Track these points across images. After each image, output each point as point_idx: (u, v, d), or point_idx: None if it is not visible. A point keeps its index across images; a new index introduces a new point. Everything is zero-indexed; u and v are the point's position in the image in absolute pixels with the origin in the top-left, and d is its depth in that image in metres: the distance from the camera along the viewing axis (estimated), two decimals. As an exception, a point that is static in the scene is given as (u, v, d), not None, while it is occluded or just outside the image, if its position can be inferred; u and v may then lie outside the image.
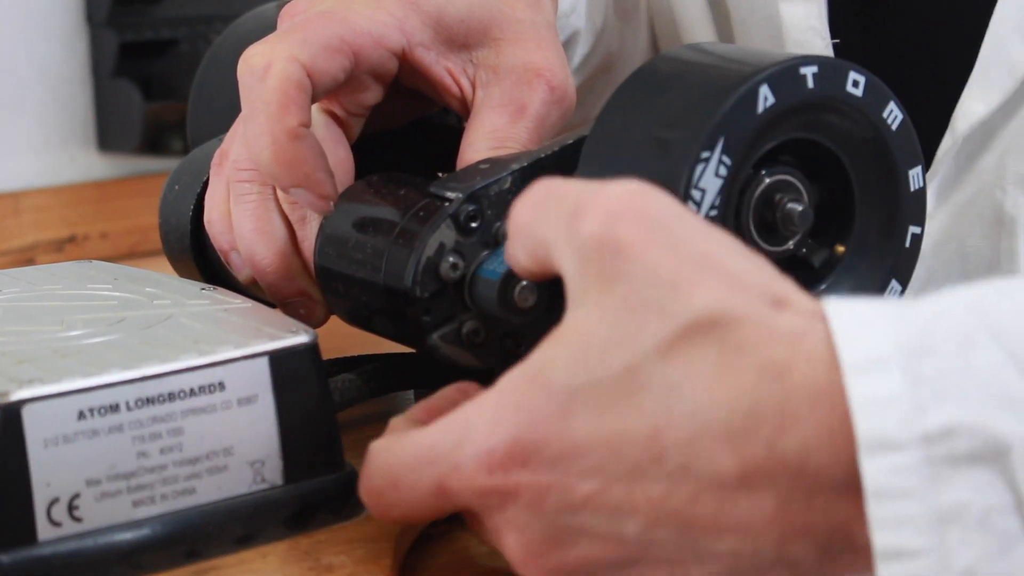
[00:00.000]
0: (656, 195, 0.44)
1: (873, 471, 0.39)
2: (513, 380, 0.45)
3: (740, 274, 0.43)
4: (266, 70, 0.56)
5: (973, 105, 0.67)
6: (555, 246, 0.45)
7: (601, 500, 0.43)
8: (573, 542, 0.44)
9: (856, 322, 0.41)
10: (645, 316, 0.43)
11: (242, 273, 0.62)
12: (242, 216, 0.61)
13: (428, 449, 0.46)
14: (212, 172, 0.63)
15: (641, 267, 0.43)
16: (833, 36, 0.71)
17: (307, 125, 0.57)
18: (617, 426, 0.42)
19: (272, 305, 0.62)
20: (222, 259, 0.63)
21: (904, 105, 0.53)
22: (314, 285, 0.61)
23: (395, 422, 0.50)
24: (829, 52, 0.70)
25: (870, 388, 0.40)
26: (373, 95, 0.61)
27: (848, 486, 0.40)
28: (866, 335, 0.41)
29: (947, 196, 0.70)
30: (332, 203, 0.58)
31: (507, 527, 0.45)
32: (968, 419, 0.39)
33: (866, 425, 0.40)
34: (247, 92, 0.57)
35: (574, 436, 0.43)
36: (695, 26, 0.78)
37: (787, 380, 0.41)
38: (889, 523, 0.39)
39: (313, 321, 0.61)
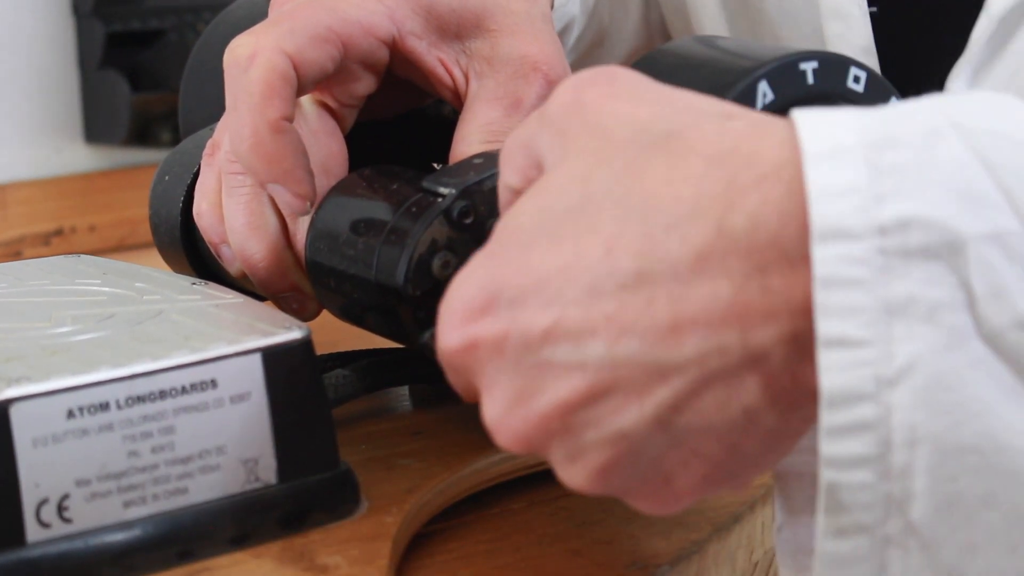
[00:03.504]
0: (620, 69, 0.45)
1: (824, 258, 0.39)
2: (492, 235, 0.44)
3: (698, 100, 0.43)
4: (251, 60, 0.56)
5: None
6: (532, 141, 0.45)
7: (559, 330, 0.41)
8: (540, 386, 0.42)
9: (819, 118, 0.40)
10: (602, 152, 0.42)
11: (233, 266, 0.62)
12: (234, 209, 0.60)
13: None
14: (203, 163, 0.63)
15: (601, 116, 0.43)
16: (871, 4, 0.69)
17: (290, 119, 0.56)
18: (572, 250, 0.42)
19: (263, 298, 0.61)
20: (212, 251, 0.62)
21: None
22: (306, 279, 0.60)
23: None
24: (866, 20, 0.69)
25: (829, 175, 0.39)
26: (365, 85, 0.60)
27: (802, 260, 0.40)
28: (829, 127, 0.40)
29: (982, 80, 0.68)
30: (310, 203, 0.57)
31: (483, 389, 0.43)
32: (925, 213, 0.39)
33: (821, 212, 0.39)
34: (231, 83, 0.57)
35: (530, 271, 0.42)
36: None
37: (737, 159, 0.40)
38: (835, 311, 0.39)
39: (305, 315, 0.61)
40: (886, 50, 0.69)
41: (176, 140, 0.71)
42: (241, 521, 0.51)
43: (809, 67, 0.50)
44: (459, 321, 0.43)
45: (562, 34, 0.78)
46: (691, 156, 0.41)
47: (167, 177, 0.67)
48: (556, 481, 0.60)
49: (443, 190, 0.55)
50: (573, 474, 0.43)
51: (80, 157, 1.26)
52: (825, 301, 0.39)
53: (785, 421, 0.41)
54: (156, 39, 1.24)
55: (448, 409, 0.63)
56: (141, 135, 1.23)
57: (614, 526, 0.56)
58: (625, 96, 0.44)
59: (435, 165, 0.64)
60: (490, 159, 0.56)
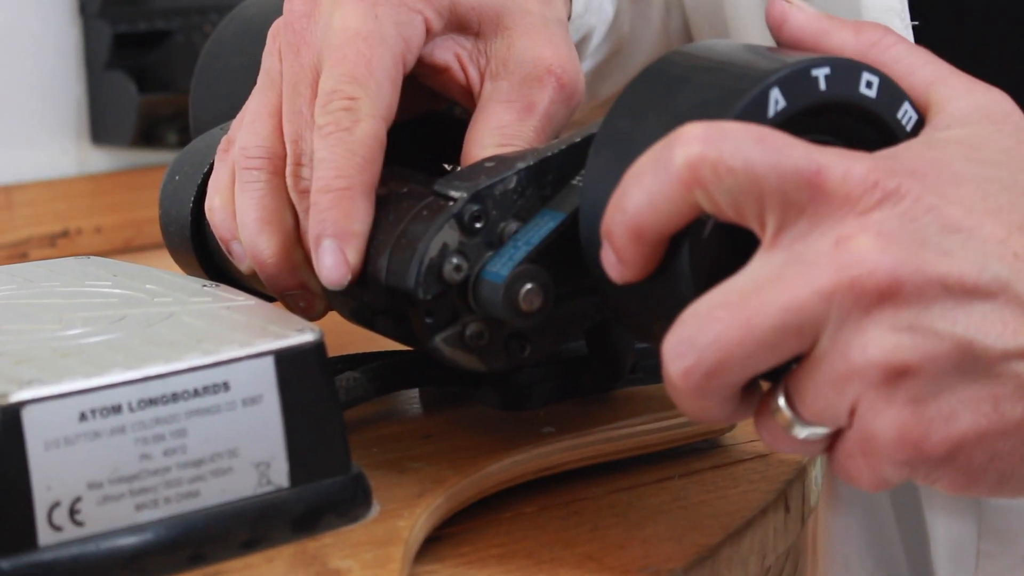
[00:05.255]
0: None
1: None
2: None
3: None
4: (354, 120, 0.56)
5: None
6: None
7: (976, 234, 0.45)
8: (935, 259, 0.45)
9: None
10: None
11: (243, 264, 0.61)
12: (247, 205, 0.60)
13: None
14: (217, 158, 0.62)
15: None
16: (914, 18, 0.69)
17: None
18: (1002, 176, 0.46)
19: (274, 300, 0.61)
20: (223, 248, 0.62)
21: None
22: (315, 278, 0.60)
23: None
24: (908, 34, 0.69)
25: None
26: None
27: None
28: None
29: None
30: (351, 275, 0.56)
31: (871, 227, 0.45)
32: None
33: None
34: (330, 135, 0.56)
35: (957, 172, 0.46)
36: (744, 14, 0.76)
37: None
38: None
39: (312, 315, 0.60)
40: None
41: (183, 141, 0.71)
42: (253, 524, 0.51)
43: (821, 73, 0.50)
44: (878, 166, 0.46)
45: (580, 44, 0.78)
46: None
47: (177, 177, 0.66)
48: (568, 485, 0.60)
49: (454, 194, 0.55)
50: (871, 352, 0.44)
51: (86, 158, 1.25)
52: None
53: None
54: (163, 40, 1.24)
55: (459, 412, 0.63)
56: (148, 136, 1.23)
57: (627, 530, 0.56)
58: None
59: (445, 166, 0.64)
60: (502, 163, 0.56)
